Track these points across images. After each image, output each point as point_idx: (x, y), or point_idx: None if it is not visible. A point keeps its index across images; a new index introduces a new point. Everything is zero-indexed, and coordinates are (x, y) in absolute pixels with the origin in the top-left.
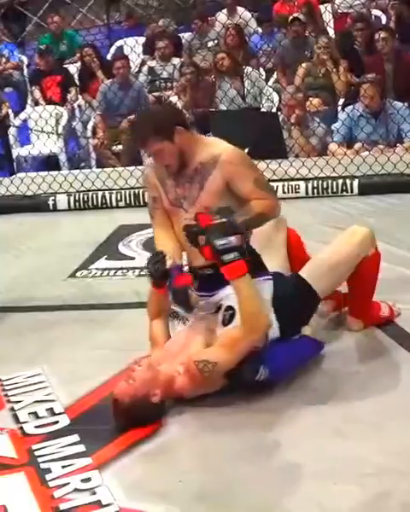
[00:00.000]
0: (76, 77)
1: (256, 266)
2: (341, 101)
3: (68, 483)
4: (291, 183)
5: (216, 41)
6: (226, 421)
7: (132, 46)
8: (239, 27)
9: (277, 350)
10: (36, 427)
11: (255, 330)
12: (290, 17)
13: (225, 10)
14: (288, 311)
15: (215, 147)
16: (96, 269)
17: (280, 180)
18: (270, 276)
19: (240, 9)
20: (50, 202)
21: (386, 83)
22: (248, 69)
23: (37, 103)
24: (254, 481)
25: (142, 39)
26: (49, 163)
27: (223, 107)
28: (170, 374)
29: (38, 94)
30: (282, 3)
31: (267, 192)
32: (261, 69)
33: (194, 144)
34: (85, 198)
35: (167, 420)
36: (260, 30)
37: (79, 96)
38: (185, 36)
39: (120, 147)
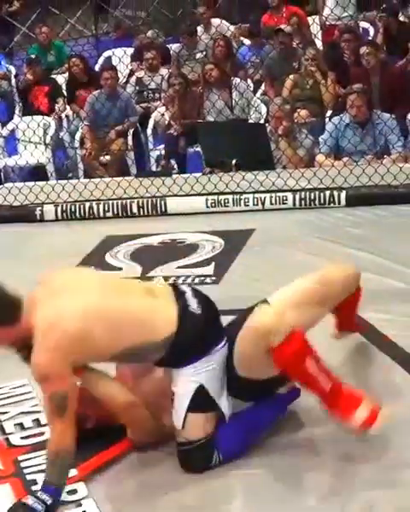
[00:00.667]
0: (64, 87)
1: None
2: (328, 113)
3: None
4: (279, 194)
5: (204, 52)
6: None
7: (120, 57)
8: (227, 39)
9: (230, 427)
10: (22, 438)
11: None
12: (275, 28)
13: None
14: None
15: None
16: None
17: (268, 191)
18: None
19: (216, 22)
20: (37, 213)
21: (373, 94)
22: (236, 80)
23: (24, 113)
24: (239, 493)
25: (130, 50)
26: (36, 173)
27: (211, 119)
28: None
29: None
30: (270, 15)
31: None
32: (249, 80)
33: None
34: (73, 208)
35: None
36: (248, 42)
37: (67, 107)
38: (173, 47)
39: (107, 157)
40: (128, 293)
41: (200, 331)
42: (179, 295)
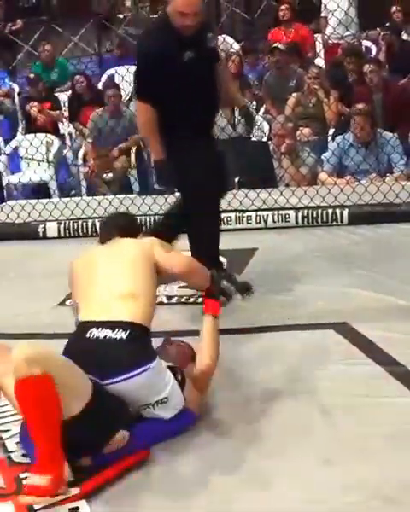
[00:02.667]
0: (66, 105)
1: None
2: (331, 131)
3: None
4: (281, 212)
5: None
6: (217, 452)
7: (124, 75)
8: (241, 57)
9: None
10: (23, 455)
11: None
12: (271, 46)
13: None
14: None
15: None
16: None
17: (270, 209)
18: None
19: (220, 39)
20: (40, 230)
21: (375, 112)
22: None
23: (27, 131)
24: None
25: (133, 68)
26: (39, 191)
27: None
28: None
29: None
30: (278, 30)
31: None
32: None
33: None
34: (76, 226)
35: (156, 450)
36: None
37: (70, 124)
38: None
39: (110, 175)
40: None
41: None
42: None
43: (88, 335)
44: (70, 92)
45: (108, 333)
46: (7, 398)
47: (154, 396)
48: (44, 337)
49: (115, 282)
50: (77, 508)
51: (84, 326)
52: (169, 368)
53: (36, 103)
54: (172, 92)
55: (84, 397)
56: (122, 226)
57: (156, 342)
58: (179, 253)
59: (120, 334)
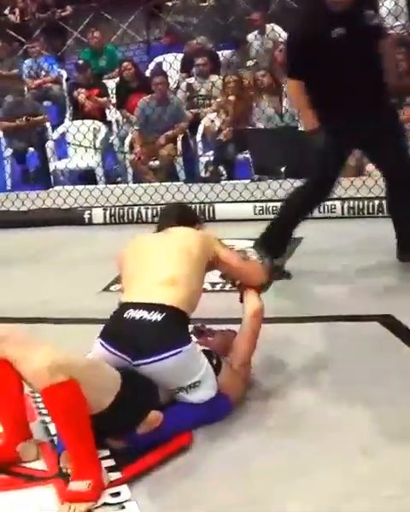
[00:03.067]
0: (114, 92)
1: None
2: None
3: None
4: (327, 202)
5: (255, 60)
6: (258, 441)
7: (171, 62)
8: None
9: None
10: None
11: None
12: None
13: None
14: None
15: None
16: None
17: None
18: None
19: (269, 27)
20: (86, 216)
21: None
22: None
23: (74, 117)
24: (289, 499)
25: (181, 56)
26: (85, 177)
27: (260, 126)
28: None
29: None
30: None
31: None
32: None
33: None
34: (121, 213)
35: (196, 436)
36: None
37: (117, 111)
38: (224, 53)
39: (156, 162)
40: None
41: None
42: None
43: (125, 316)
44: (118, 79)
45: (144, 314)
46: (26, 384)
47: (186, 379)
48: (88, 322)
49: (160, 267)
50: (118, 493)
51: (123, 307)
52: (205, 352)
53: (84, 90)
54: (322, 69)
55: (113, 390)
56: (180, 216)
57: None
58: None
59: (156, 316)
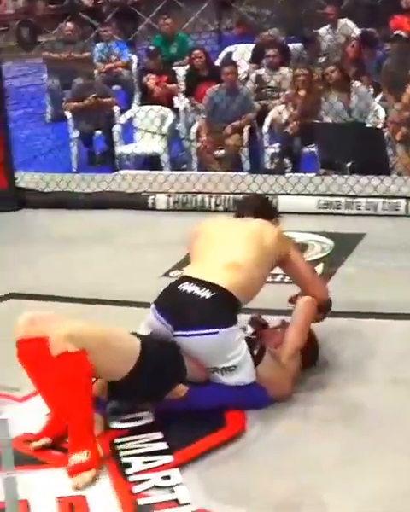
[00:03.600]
0: (183, 79)
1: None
2: None
3: (148, 479)
4: (392, 200)
5: (326, 55)
6: (310, 431)
7: (242, 53)
8: (360, 42)
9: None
10: (120, 421)
11: None
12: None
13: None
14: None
15: None
16: None
17: (381, 196)
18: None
19: (341, 21)
20: (150, 201)
21: None
22: (357, 84)
23: (142, 102)
24: (339, 491)
25: (252, 47)
26: (150, 162)
27: (328, 120)
28: None
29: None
30: (401, 17)
31: None
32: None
33: None
34: (185, 200)
35: (252, 424)
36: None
37: (185, 99)
38: (295, 46)
39: (222, 152)
40: None
41: None
42: None
43: (179, 287)
44: (188, 66)
45: (196, 289)
46: None
47: (221, 362)
48: (146, 306)
49: (227, 250)
50: (168, 476)
51: (181, 279)
52: (248, 340)
53: (153, 76)
54: None
55: (130, 360)
56: (258, 208)
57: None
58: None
59: (205, 294)
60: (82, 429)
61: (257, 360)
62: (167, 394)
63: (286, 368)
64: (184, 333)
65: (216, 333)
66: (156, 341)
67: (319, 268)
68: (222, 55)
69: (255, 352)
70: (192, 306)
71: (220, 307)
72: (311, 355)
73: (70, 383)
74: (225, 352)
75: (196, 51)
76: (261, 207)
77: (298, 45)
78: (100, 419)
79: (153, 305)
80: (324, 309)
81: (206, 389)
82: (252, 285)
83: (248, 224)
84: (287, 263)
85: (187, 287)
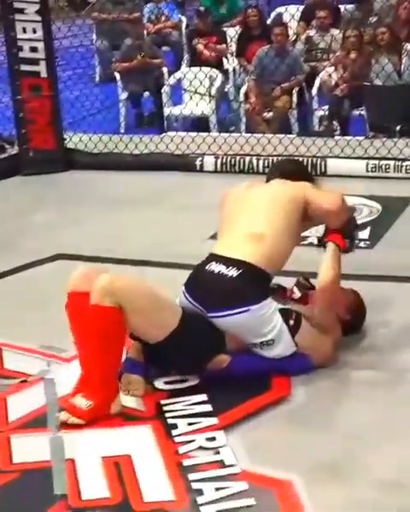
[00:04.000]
0: (234, 41)
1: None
2: None
3: (193, 440)
4: None
5: (377, 15)
6: (357, 394)
7: (293, 14)
8: None
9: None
10: (165, 383)
11: None
12: None
13: None
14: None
15: None
16: None
17: None
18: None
19: None
20: (198, 163)
21: None
22: (409, 46)
23: (191, 64)
24: (381, 455)
25: (302, 8)
26: (198, 124)
27: (378, 83)
28: None
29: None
30: None
31: None
32: None
33: None
34: (232, 162)
35: (297, 388)
36: None
37: (234, 60)
38: (347, 7)
39: (270, 114)
40: None
41: None
42: None
43: (207, 268)
44: (238, 27)
45: (222, 269)
46: None
47: (258, 337)
48: (190, 268)
49: (249, 221)
50: (214, 438)
51: (208, 258)
52: (282, 311)
53: (202, 40)
54: None
55: (169, 325)
56: (287, 171)
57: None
58: (333, 192)
59: (232, 272)
60: (97, 382)
61: (294, 330)
62: (208, 364)
63: (327, 333)
64: (217, 314)
65: (247, 310)
66: (196, 313)
67: (366, 232)
68: (273, 16)
69: (291, 322)
70: (221, 287)
71: (249, 284)
72: (358, 320)
73: (96, 336)
74: (260, 328)
75: (250, 10)
76: (291, 171)
77: (350, 6)
78: (140, 380)
79: (183, 288)
80: (347, 233)
81: (248, 359)
82: (278, 254)
83: (268, 190)
84: (309, 208)
85: (214, 267)
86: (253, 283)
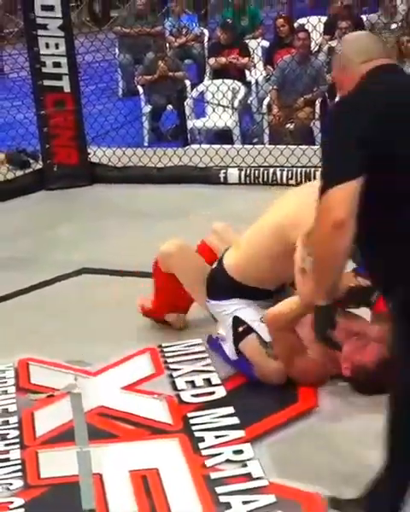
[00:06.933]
0: (258, 52)
1: None
2: None
3: (221, 453)
4: None
5: (400, 23)
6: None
7: (314, 24)
8: None
9: None
10: (192, 395)
11: None
12: None
13: None
14: None
15: None
16: None
17: None
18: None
19: None
20: (221, 175)
21: None
22: None
23: (214, 76)
24: None
25: (324, 18)
26: (222, 136)
27: None
28: None
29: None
30: None
31: None
32: None
33: None
34: (256, 173)
35: (324, 400)
36: None
37: (257, 72)
38: (369, 17)
39: (293, 125)
40: None
41: None
42: None
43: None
44: (259, 40)
45: (215, 263)
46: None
47: (220, 330)
48: None
49: (251, 228)
50: (241, 450)
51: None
52: (236, 319)
53: (224, 50)
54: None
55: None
56: None
57: None
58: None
59: (215, 267)
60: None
61: (238, 338)
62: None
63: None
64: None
65: (208, 302)
66: None
67: None
68: (295, 27)
69: (240, 328)
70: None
71: (213, 280)
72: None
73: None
74: (222, 322)
75: (280, 20)
76: None
77: (372, 15)
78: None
79: None
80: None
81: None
82: (247, 263)
83: (288, 202)
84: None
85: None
86: (215, 281)
